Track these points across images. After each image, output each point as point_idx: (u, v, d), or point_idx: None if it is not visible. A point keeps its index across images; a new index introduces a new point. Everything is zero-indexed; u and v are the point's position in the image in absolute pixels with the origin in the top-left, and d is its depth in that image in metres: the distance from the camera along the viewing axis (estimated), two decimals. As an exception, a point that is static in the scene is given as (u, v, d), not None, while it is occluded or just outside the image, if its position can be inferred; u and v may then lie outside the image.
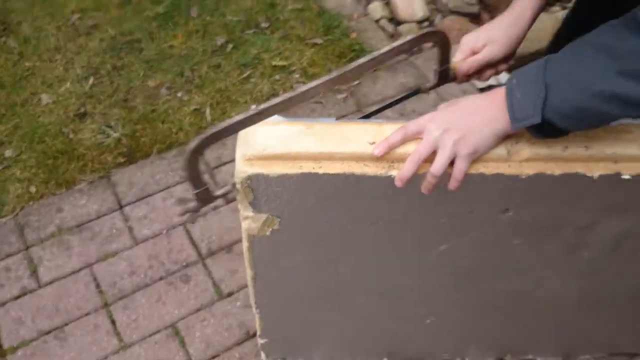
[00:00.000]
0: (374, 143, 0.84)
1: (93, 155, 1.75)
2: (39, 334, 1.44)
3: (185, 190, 1.69)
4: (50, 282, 1.52)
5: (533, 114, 0.75)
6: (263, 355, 1.41)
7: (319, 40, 2.08)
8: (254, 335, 1.45)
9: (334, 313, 1.25)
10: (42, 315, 1.46)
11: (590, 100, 0.71)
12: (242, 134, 0.88)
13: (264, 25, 2.14)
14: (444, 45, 0.94)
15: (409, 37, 0.89)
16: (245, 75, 1.99)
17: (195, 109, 1.89)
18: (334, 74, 0.84)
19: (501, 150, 0.84)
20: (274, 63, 2.02)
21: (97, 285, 1.52)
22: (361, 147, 0.84)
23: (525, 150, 0.85)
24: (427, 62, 2.02)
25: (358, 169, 0.85)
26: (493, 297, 1.18)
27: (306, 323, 1.30)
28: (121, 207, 1.66)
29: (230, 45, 2.07)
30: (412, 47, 0.90)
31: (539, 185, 0.87)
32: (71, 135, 1.79)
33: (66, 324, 1.45)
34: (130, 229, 1.62)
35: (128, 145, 1.78)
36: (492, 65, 0.97)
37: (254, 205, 0.90)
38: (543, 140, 0.83)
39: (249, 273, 1.09)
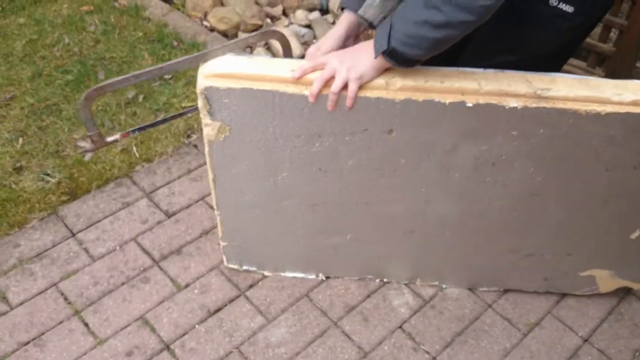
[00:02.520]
0: (293, 70, 1.23)
1: (38, 198, 1.94)
2: (19, 345, 1.58)
3: (129, 213, 1.94)
4: (21, 303, 1.68)
5: (383, 45, 1.15)
6: (224, 258, 1.74)
7: (218, 82, 2.44)
8: (216, 312, 1.69)
9: (277, 222, 1.57)
10: (19, 330, 1.62)
11: (413, 28, 1.11)
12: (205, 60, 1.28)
13: (167, 77, 2.47)
14: (285, 42, 1.38)
15: (256, 33, 1.34)
16: (160, 118, 2.29)
17: (123, 149, 2.15)
18: (194, 55, 1.26)
19: (381, 81, 1.24)
20: (183, 105, 2.35)
21: (65, 299, 1.70)
22: (284, 73, 1.23)
23: (398, 81, 1.25)
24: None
25: (282, 88, 1.24)
26: (395, 216, 1.53)
27: (257, 229, 1.61)
28: (74, 234, 1.86)
29: (141, 97, 2.38)
30: (258, 42, 1.34)
31: (408, 109, 1.27)
32: (13, 186, 1.98)
33: (43, 334, 1.61)
34: (86, 250, 1.82)
35: (69, 186, 2.00)
36: None
37: (211, 113, 1.27)
38: (407, 72, 1.24)
39: (210, 176, 1.45)
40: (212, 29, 2.77)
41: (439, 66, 1.28)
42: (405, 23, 1.13)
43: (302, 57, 2.71)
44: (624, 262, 1.62)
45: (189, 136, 2.24)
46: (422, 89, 1.25)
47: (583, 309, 1.73)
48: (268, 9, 2.83)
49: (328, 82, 1.22)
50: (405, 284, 1.78)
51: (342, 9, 1.38)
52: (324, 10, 2.82)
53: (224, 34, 2.75)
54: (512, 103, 1.24)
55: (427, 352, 1.63)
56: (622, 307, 1.74)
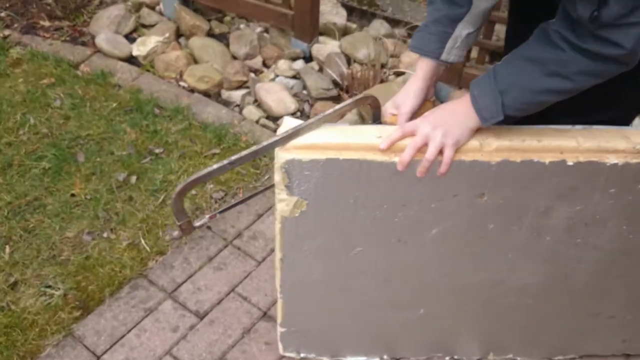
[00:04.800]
0: (380, 137, 1.12)
1: (46, 319, 1.68)
2: None
3: (155, 320, 1.71)
4: None
5: (497, 114, 1.07)
6: (281, 346, 1.59)
7: (216, 150, 2.25)
8: None
9: (343, 300, 1.45)
10: None
11: (533, 96, 1.06)
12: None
13: (157, 151, 2.25)
14: (377, 106, 1.26)
15: (349, 100, 1.21)
16: (160, 199, 2.07)
17: (129, 244, 1.91)
18: (290, 131, 1.13)
19: (475, 143, 1.14)
20: (182, 181, 2.13)
21: None
22: (371, 140, 1.14)
23: (493, 142, 1.15)
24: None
25: (369, 156, 1.13)
26: (474, 287, 1.43)
27: (320, 311, 1.49)
28: (98, 357, 1.61)
29: (133, 177, 2.14)
30: (352, 109, 1.21)
31: (504, 170, 1.17)
32: (12, 307, 1.71)
33: None
34: (118, 374, 1.58)
35: (78, 298, 1.74)
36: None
37: (289, 188, 1.16)
38: (501, 132, 1.15)
39: (277, 255, 1.32)
40: (191, 90, 2.56)
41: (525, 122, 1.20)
42: (522, 92, 1.06)
43: (299, 111, 2.60)
44: None
45: (197, 216, 2.03)
46: (519, 149, 1.17)
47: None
48: (248, 62, 2.65)
49: (420, 149, 1.13)
50: (478, 360, 1.66)
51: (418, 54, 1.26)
52: (307, 58, 2.68)
53: (206, 94, 2.55)
54: (613, 160, 1.18)
55: None
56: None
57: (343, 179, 1.17)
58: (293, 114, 2.45)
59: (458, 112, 1.12)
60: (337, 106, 1.16)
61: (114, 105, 2.44)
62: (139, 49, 2.69)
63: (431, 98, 1.33)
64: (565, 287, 1.45)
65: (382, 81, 2.50)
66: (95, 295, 1.76)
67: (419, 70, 1.26)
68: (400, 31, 2.79)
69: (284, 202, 1.21)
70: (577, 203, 1.26)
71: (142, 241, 1.92)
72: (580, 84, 1.02)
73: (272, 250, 1.93)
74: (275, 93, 2.46)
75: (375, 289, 1.44)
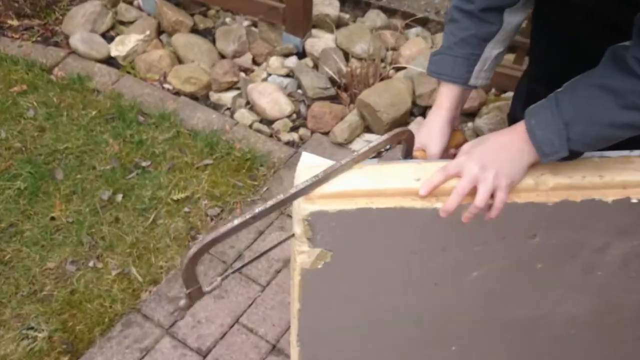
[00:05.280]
0: (419, 179, 0.94)
1: (30, 368, 1.50)
2: None
3: (155, 350, 1.54)
4: None
5: (560, 149, 0.90)
6: None
7: (208, 161, 2.06)
8: None
9: (369, 347, 1.29)
10: None
11: (605, 130, 0.88)
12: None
13: (144, 164, 2.05)
14: (410, 140, 1.07)
15: (385, 137, 1.00)
16: (150, 219, 1.89)
17: (119, 273, 1.73)
18: (321, 175, 0.93)
19: (529, 181, 0.97)
20: (174, 197, 1.95)
21: None
22: (408, 183, 0.95)
23: (550, 180, 0.98)
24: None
25: (406, 203, 0.94)
26: (514, 323, 1.29)
27: (342, 355, 1.31)
28: (91, 410, 1.44)
29: (119, 196, 1.95)
30: (386, 145, 1.01)
31: (562, 211, 1.00)
32: (-9, 356, 1.52)
33: None
34: None
35: (65, 340, 1.56)
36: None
37: (311, 240, 0.97)
38: (557, 167, 0.97)
39: (295, 307, 1.12)
40: (177, 93, 2.36)
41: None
42: (593, 125, 0.88)
43: (294, 114, 2.39)
44: None
45: (193, 238, 1.85)
46: (579, 187, 1.00)
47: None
48: (237, 61, 2.45)
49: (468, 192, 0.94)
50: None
51: (439, 80, 1.10)
52: (301, 54, 2.49)
53: (193, 97, 2.35)
54: None
55: None
56: None
57: (375, 228, 1.00)
58: (289, 117, 2.26)
59: (510, 146, 0.94)
60: (371, 144, 0.97)
61: (94, 113, 2.23)
62: (117, 48, 2.48)
63: (459, 127, 1.16)
64: (612, 317, 1.32)
65: (382, 78, 2.32)
66: (84, 335, 1.58)
67: (443, 100, 1.09)
68: (398, 22, 2.61)
69: (304, 254, 1.03)
70: (635, 238, 1.11)
71: (133, 269, 1.74)
72: None
73: (277, 272, 1.77)
74: (269, 94, 2.27)
75: (405, 331, 1.28)
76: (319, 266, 1.05)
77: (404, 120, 2.18)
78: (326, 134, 2.19)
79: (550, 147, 0.90)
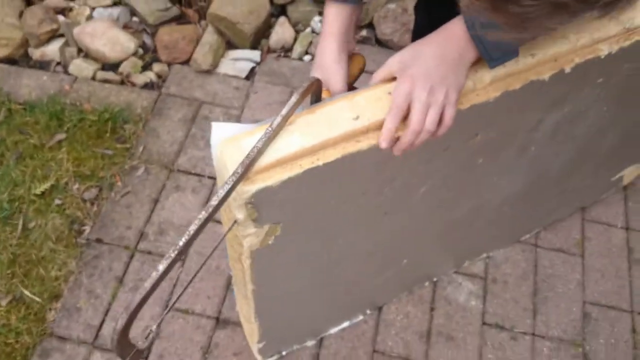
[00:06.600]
0: (357, 117, 0.83)
1: None
2: None
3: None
4: None
5: (513, 51, 0.87)
6: (260, 357, 1.39)
7: (61, 136, 1.73)
8: None
9: (325, 289, 1.25)
10: None
11: None
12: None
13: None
14: (320, 86, 0.90)
15: (294, 97, 0.83)
16: (19, 226, 1.58)
17: (10, 301, 1.46)
18: (251, 155, 0.78)
19: (468, 84, 0.88)
20: (37, 192, 1.64)
21: None
22: (348, 125, 0.83)
23: (486, 75, 0.90)
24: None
25: (352, 147, 0.84)
26: (457, 217, 1.28)
27: (299, 311, 1.29)
28: None
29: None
30: (301, 104, 0.84)
31: (503, 102, 0.94)
32: None
33: None
34: None
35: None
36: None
37: (257, 220, 0.86)
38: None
39: (249, 288, 1.04)
40: (-13, 60, 1.93)
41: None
42: None
43: (140, 47, 2.00)
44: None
45: (80, 232, 1.59)
46: (515, 73, 0.93)
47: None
48: (48, 3, 2.02)
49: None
50: (455, 272, 1.55)
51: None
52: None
53: (10, 61, 1.94)
54: (606, 50, 0.99)
55: (524, 333, 1.46)
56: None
57: (323, 183, 0.87)
58: (135, 54, 1.94)
59: (448, 53, 0.81)
60: (284, 109, 0.79)
61: None
62: None
63: (356, 50, 1.01)
64: (541, 181, 1.34)
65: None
66: (0, 386, 1.35)
67: (331, 24, 0.92)
68: None
69: (252, 236, 0.89)
70: (566, 106, 1.09)
71: (25, 291, 1.48)
72: None
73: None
74: (103, 33, 1.92)
75: (359, 266, 1.22)
76: (270, 242, 0.92)
77: (266, 26, 1.96)
78: (186, 62, 1.92)
79: (500, 50, 0.82)
